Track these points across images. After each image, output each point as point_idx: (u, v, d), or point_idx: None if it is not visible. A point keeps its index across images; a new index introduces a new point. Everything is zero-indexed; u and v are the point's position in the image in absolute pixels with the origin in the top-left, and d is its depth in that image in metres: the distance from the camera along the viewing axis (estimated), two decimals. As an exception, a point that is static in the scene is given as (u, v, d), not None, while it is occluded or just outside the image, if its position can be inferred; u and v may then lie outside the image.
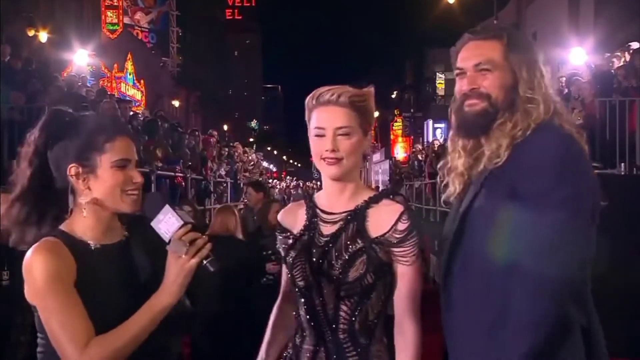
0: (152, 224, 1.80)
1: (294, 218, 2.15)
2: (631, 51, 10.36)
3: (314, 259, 2.01)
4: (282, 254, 2.15)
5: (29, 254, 1.75)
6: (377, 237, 1.99)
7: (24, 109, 9.64)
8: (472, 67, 1.97)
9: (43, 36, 17.69)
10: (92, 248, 1.84)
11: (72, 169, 1.81)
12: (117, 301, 1.80)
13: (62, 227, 1.84)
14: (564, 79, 12.30)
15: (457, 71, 2.02)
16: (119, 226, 1.93)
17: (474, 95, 1.96)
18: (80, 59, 19.42)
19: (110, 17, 33.62)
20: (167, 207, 1.79)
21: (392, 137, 42.93)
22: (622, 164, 8.39)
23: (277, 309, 2.26)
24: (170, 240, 1.78)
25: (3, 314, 4.67)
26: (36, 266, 1.73)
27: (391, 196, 2.06)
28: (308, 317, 2.04)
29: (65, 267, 1.75)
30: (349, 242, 1.98)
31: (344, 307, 1.98)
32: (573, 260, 1.77)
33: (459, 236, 1.96)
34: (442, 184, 2.11)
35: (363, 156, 2.09)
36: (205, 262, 1.79)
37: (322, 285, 1.99)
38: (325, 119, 1.98)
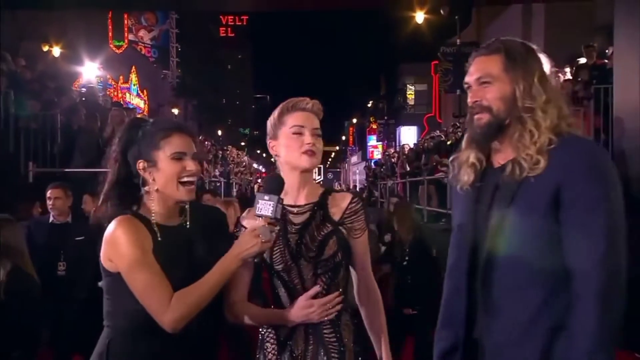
0: (257, 195, 1.92)
1: None
2: (576, 66, 10.53)
3: (291, 244, 2.07)
4: None
5: (112, 227, 1.91)
6: (339, 219, 2.11)
7: (38, 116, 9.56)
8: (475, 81, 1.89)
9: (56, 51, 17.52)
10: (157, 226, 1.98)
11: (140, 164, 1.99)
12: (171, 274, 1.90)
13: (135, 209, 2.02)
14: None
15: (465, 86, 1.94)
16: (181, 212, 2.08)
17: (477, 108, 1.88)
18: (90, 71, 19.25)
19: (116, 34, 33.33)
20: (278, 197, 1.90)
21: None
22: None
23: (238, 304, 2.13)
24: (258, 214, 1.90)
25: (60, 301, 4.66)
26: (122, 236, 1.88)
27: (364, 195, 2.10)
28: (287, 295, 2.08)
29: (144, 236, 1.92)
30: (319, 226, 2.08)
31: (320, 283, 2.06)
32: (624, 260, 1.68)
33: (497, 239, 1.80)
34: (452, 175, 2.02)
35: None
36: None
37: (300, 267, 2.06)
38: (304, 120, 2.11)
